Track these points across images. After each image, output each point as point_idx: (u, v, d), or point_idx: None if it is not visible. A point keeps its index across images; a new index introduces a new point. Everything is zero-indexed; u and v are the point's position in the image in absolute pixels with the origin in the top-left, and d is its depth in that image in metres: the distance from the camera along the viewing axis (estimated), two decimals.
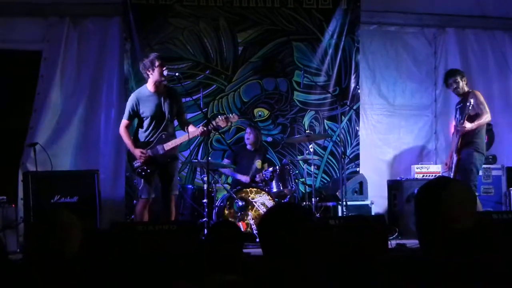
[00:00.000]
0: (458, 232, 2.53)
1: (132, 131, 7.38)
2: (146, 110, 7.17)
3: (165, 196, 7.33)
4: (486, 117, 7.81)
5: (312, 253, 2.58)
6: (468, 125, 7.70)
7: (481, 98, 7.86)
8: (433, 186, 2.67)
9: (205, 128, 7.14)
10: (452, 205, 2.55)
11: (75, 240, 2.81)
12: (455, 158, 7.85)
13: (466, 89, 8.04)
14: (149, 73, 7.15)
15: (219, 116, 7.35)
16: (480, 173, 9.09)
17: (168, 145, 7.20)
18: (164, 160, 7.26)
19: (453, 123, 8.30)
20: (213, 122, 7.19)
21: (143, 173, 7.19)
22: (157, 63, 7.09)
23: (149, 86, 7.21)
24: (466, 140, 7.82)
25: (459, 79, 8.01)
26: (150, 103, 7.17)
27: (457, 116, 8.03)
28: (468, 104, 7.68)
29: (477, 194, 7.76)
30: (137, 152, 7.13)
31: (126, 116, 7.27)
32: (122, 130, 7.28)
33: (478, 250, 2.53)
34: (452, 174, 7.93)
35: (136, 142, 7.23)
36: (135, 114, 7.23)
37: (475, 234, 2.54)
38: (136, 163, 7.18)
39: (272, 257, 2.60)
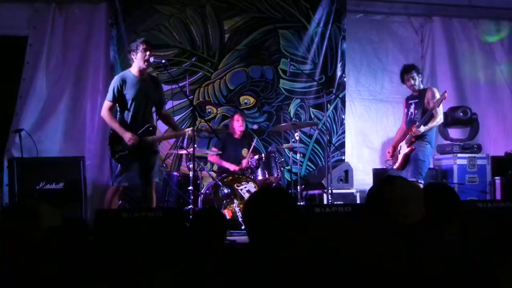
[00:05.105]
0: (405, 227, 2.65)
1: (114, 116, 7.26)
2: (130, 93, 7.05)
3: (145, 183, 7.22)
4: (439, 120, 7.93)
5: (295, 237, 2.62)
6: (422, 129, 7.81)
7: (439, 98, 7.89)
8: (378, 185, 2.85)
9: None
10: (395, 202, 2.67)
11: (43, 226, 2.88)
12: (405, 149, 7.92)
13: (421, 86, 8.10)
14: (133, 56, 7.11)
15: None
16: (465, 162, 9.21)
17: (156, 138, 7.28)
18: (149, 151, 7.19)
19: (404, 115, 8.33)
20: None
21: (123, 159, 7.04)
22: (141, 48, 7.02)
23: (133, 70, 7.15)
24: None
25: (415, 76, 8.03)
26: (134, 86, 7.08)
27: (412, 110, 8.09)
28: (426, 101, 7.89)
29: (421, 182, 7.70)
30: (128, 134, 6.93)
31: (110, 98, 7.10)
32: (105, 112, 7.13)
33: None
34: (397, 164, 8.00)
35: (124, 126, 7.07)
36: (119, 95, 7.05)
37: (422, 227, 2.69)
38: (121, 148, 7.02)
39: (257, 241, 2.64)
